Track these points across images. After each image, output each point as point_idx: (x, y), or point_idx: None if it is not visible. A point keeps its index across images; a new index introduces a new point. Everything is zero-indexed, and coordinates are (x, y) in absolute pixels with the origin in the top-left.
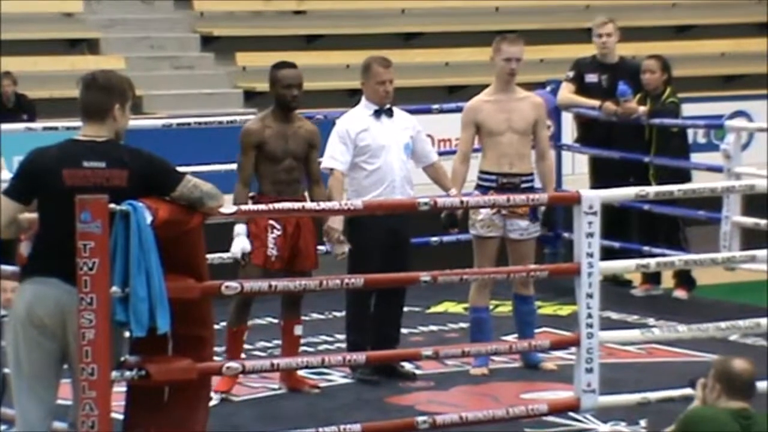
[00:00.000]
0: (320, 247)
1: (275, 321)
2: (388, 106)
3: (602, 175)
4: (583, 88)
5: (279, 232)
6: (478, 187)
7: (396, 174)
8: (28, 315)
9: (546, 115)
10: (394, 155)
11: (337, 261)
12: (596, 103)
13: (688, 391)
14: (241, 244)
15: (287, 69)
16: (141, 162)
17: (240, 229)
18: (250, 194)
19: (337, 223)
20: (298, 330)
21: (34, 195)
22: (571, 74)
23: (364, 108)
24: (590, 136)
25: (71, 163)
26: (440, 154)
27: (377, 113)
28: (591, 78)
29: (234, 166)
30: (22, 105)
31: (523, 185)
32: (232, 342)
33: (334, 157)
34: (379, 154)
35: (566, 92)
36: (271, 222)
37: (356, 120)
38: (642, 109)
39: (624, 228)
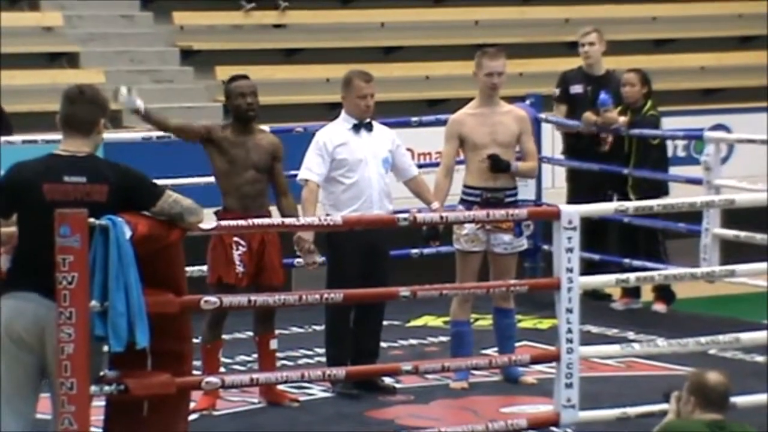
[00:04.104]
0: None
1: None
2: (368, 120)
3: (580, 186)
4: (568, 100)
5: (244, 249)
6: (462, 201)
7: (374, 188)
8: (6, 330)
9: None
10: (373, 169)
11: (310, 271)
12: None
13: (667, 405)
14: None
15: (240, 80)
16: (121, 177)
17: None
18: (215, 210)
19: (307, 233)
20: (273, 344)
21: (14, 209)
22: (557, 92)
23: (343, 122)
24: (575, 147)
25: (52, 177)
26: (420, 167)
27: (356, 127)
28: (576, 89)
29: (213, 180)
30: None
31: (507, 199)
32: (208, 359)
33: (310, 168)
34: (356, 169)
35: (558, 115)
36: (236, 239)
37: (335, 133)
38: (622, 119)
39: (602, 239)
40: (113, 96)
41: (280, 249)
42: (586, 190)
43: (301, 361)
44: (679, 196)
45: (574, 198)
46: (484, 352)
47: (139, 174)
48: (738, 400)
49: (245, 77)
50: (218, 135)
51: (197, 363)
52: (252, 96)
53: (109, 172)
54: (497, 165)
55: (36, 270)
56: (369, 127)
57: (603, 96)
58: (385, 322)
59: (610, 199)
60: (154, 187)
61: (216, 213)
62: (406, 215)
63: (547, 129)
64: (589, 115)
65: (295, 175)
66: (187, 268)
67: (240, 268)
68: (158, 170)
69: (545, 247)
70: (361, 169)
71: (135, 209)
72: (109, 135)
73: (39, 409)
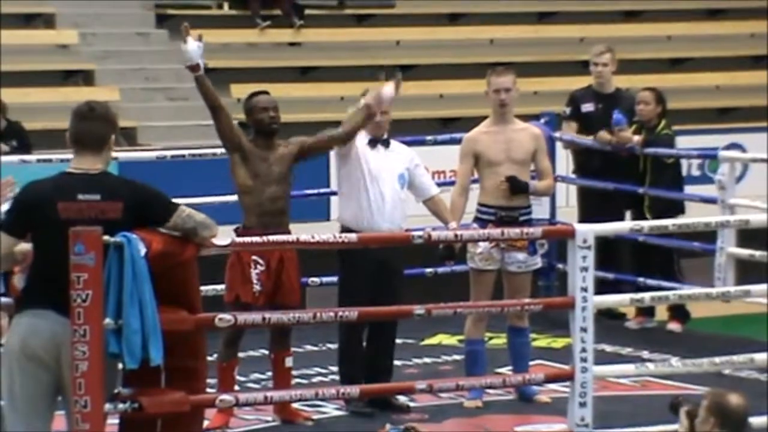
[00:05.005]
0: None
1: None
2: (384, 137)
3: (590, 205)
4: (579, 118)
5: (262, 268)
6: (477, 219)
7: (387, 202)
8: (22, 347)
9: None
10: (387, 185)
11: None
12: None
13: (677, 426)
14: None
15: (260, 95)
16: (135, 194)
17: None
18: (234, 227)
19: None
20: (288, 362)
21: (28, 228)
22: (567, 110)
23: (362, 137)
24: (586, 165)
25: (66, 195)
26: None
27: (373, 142)
28: (587, 107)
29: (227, 198)
30: (13, 130)
31: (522, 218)
32: (224, 377)
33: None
34: (371, 182)
35: (570, 132)
36: (255, 257)
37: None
38: (636, 138)
39: (617, 257)
40: (182, 39)
41: (299, 268)
42: (596, 209)
43: (315, 380)
44: (693, 215)
45: (584, 217)
46: (498, 370)
47: (152, 190)
48: (753, 420)
49: (265, 92)
50: (246, 142)
51: (212, 381)
52: (274, 110)
53: (123, 189)
54: (516, 187)
55: (51, 288)
56: (386, 144)
57: (617, 115)
58: (399, 341)
59: (623, 218)
60: (168, 203)
61: (236, 230)
62: (420, 233)
63: (561, 147)
64: (603, 135)
65: (310, 195)
66: (203, 287)
67: (257, 287)
68: (173, 188)
69: (560, 266)
70: (375, 183)
71: (149, 225)
72: (124, 153)
73: (54, 427)
